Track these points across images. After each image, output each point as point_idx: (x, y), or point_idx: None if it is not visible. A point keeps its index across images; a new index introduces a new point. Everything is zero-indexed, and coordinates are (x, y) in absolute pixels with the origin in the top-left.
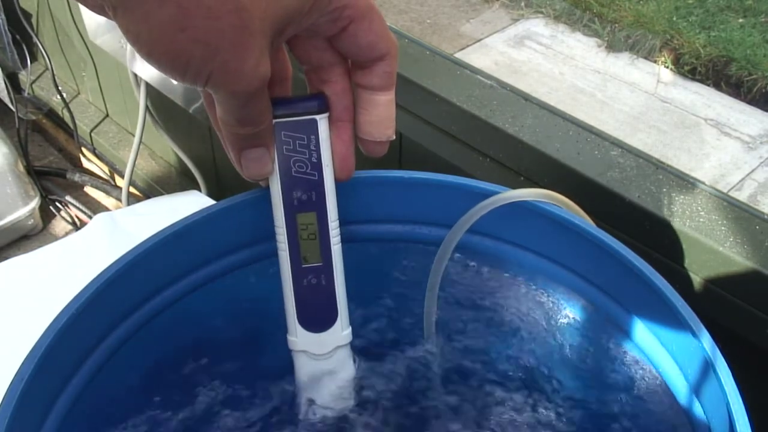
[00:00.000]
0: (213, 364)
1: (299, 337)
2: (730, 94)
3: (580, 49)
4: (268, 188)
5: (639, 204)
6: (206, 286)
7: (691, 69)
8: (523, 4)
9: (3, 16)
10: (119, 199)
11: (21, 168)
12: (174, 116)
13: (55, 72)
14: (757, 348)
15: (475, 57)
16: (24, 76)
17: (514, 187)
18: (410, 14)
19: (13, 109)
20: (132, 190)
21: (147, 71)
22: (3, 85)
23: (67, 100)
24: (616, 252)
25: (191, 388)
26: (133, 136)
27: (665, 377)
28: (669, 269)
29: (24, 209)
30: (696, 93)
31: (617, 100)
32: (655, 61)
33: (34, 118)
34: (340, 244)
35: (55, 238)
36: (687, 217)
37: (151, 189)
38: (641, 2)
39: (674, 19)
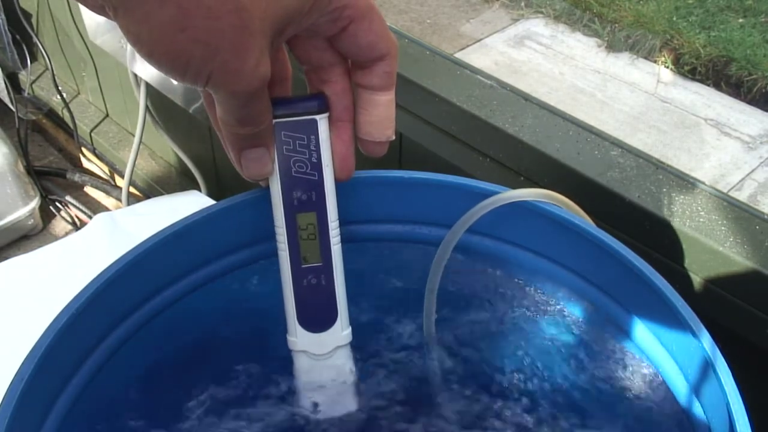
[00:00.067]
0: (213, 364)
1: (299, 338)
2: (730, 94)
3: (580, 49)
4: (268, 188)
5: (639, 204)
6: (206, 286)
7: (691, 69)
8: (523, 4)
9: (3, 16)
10: (119, 199)
11: (21, 168)
12: (174, 116)
13: (55, 72)
14: (757, 348)
15: (475, 57)
16: (24, 76)
17: (514, 187)
18: (410, 14)
19: (13, 109)
20: (132, 190)
21: (147, 71)
22: (3, 85)
23: (67, 100)
24: (616, 252)
25: (191, 388)
26: (133, 136)
27: (665, 377)
28: (669, 269)
29: (24, 209)
30: (696, 93)
31: (617, 100)
32: (655, 61)
33: (34, 118)
34: (340, 244)
35: (55, 238)
36: (687, 217)
37: (151, 189)
38: (641, 2)
39: (674, 19)
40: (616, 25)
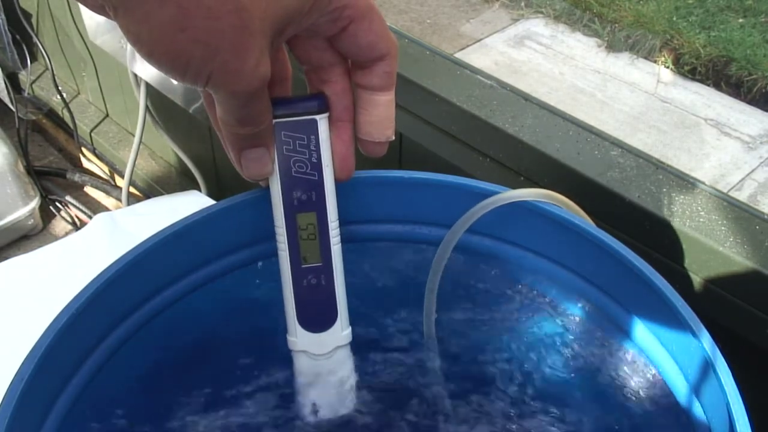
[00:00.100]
0: (213, 364)
1: (299, 338)
2: (730, 94)
3: (580, 49)
4: (268, 188)
5: (639, 204)
6: (206, 286)
7: (691, 69)
8: (523, 4)
9: (3, 16)
10: (119, 199)
11: (21, 168)
12: (174, 116)
13: (55, 72)
14: (757, 348)
15: (475, 57)
16: (24, 76)
17: (514, 187)
18: (410, 14)
19: (13, 109)
20: (132, 190)
21: (147, 71)
22: (3, 85)
23: (67, 100)
24: (616, 252)
25: (191, 388)
26: (133, 136)
27: (665, 377)
28: (669, 269)
29: (24, 209)
30: (696, 93)
31: (617, 100)
32: (655, 61)
33: (34, 118)
34: (340, 244)
35: (55, 238)
36: (687, 217)
37: (151, 189)
38: (641, 2)
39: (674, 19)
40: (616, 25)
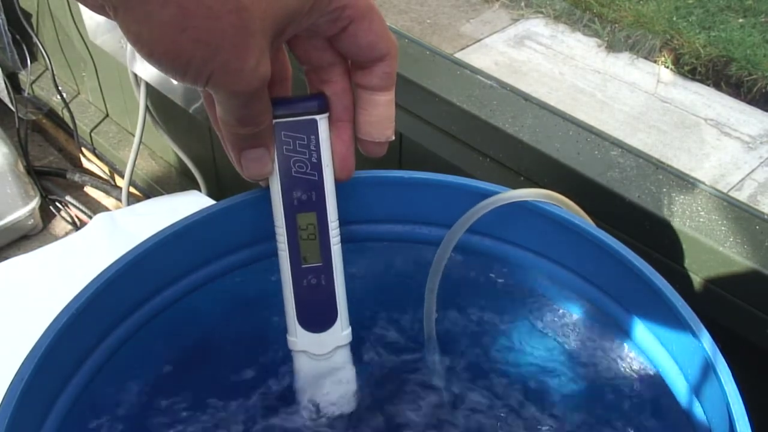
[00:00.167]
0: (213, 364)
1: (299, 338)
2: (730, 94)
3: (580, 49)
4: (268, 188)
5: (639, 204)
6: (206, 286)
7: (691, 69)
8: (523, 4)
9: (3, 16)
10: (119, 199)
11: (21, 168)
12: (174, 116)
13: (55, 72)
14: (757, 348)
15: (475, 57)
16: (24, 76)
17: (514, 187)
18: (410, 14)
19: (13, 109)
20: (132, 190)
21: (147, 71)
22: (3, 85)
23: (67, 100)
24: (616, 252)
25: (191, 388)
26: (133, 136)
27: (665, 377)
28: (669, 269)
29: (24, 209)
30: (696, 93)
31: (617, 100)
32: (655, 61)
33: (34, 118)
34: (340, 244)
35: (55, 238)
36: (687, 217)
37: (151, 189)
38: (641, 2)
39: (674, 19)
40: (616, 25)
